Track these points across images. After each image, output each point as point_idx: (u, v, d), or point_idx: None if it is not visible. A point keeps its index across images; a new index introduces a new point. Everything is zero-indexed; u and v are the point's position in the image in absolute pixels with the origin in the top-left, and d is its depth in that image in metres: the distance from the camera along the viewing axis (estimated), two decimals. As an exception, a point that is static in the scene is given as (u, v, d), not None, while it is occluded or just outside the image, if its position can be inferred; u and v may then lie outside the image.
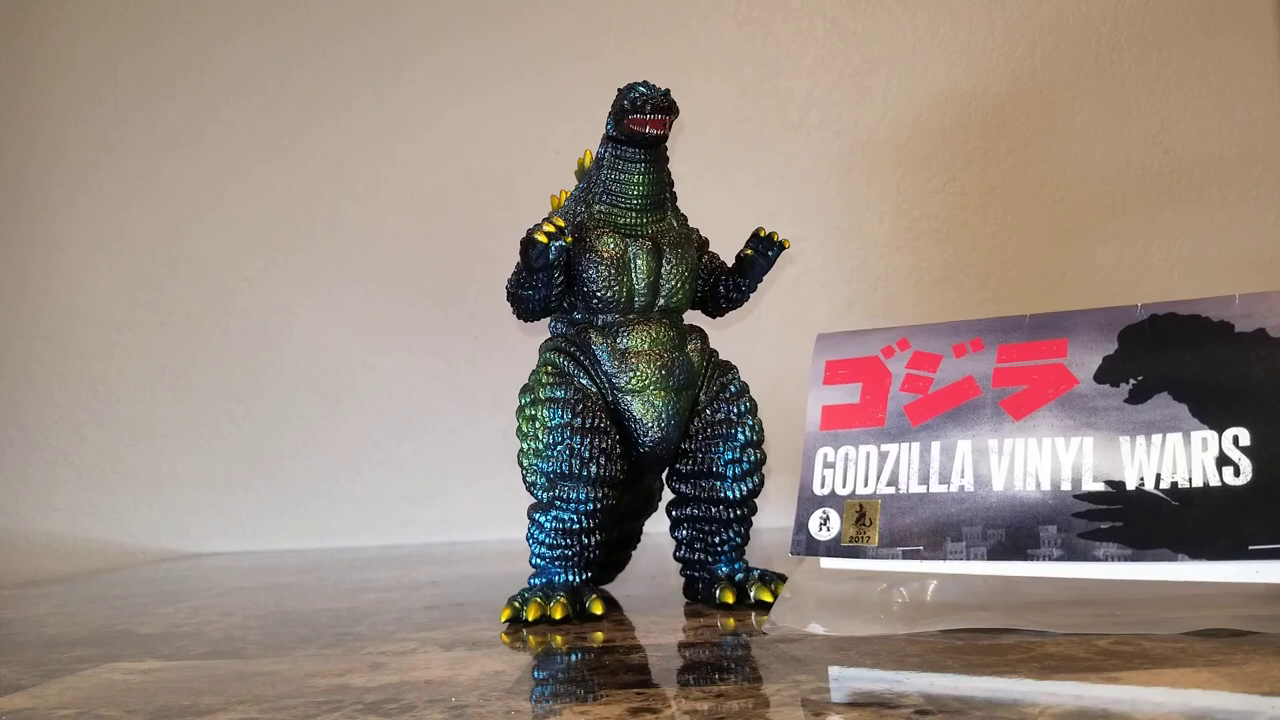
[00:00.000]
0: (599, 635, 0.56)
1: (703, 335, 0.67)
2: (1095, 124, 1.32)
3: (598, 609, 0.61)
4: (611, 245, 0.63)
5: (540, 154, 1.30)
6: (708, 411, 0.65)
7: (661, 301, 0.65)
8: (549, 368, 0.64)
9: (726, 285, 0.69)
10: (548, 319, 0.70)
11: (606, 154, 0.64)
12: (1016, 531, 0.51)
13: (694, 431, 0.65)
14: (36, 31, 1.46)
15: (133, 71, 1.45)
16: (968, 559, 0.51)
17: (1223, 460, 0.47)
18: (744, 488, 0.64)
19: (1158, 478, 0.49)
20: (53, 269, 1.44)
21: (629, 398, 0.63)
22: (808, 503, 0.58)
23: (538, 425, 0.62)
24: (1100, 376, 0.52)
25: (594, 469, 0.61)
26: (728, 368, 0.67)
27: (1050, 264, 1.31)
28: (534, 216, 0.67)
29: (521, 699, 0.42)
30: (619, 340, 0.63)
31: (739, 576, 0.65)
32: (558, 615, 0.60)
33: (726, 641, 0.53)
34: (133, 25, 1.45)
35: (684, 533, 0.66)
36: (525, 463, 0.64)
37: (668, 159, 0.66)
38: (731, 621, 0.58)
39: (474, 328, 1.36)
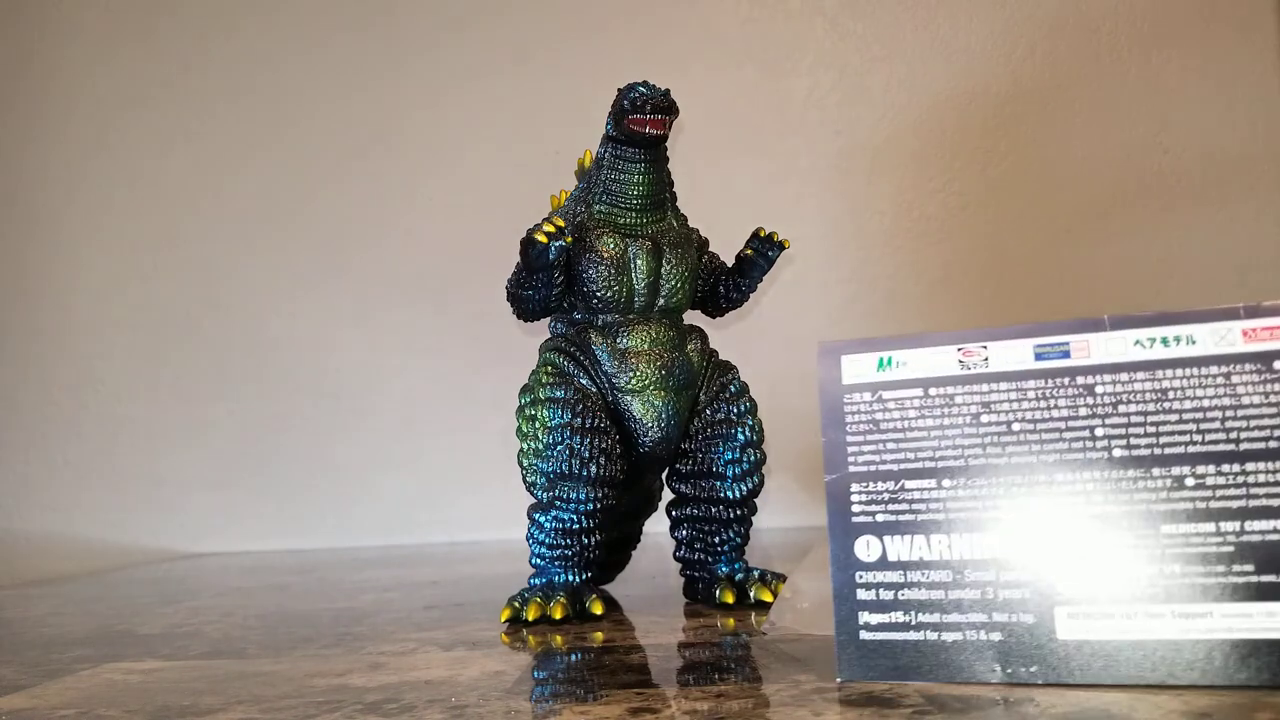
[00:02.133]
0: (599, 635, 0.56)
1: (703, 335, 0.67)
2: (1095, 124, 1.32)
3: (598, 609, 0.61)
4: (611, 245, 0.63)
5: (540, 154, 1.30)
6: (708, 411, 0.65)
7: (661, 301, 0.65)
8: (549, 368, 0.64)
9: (726, 285, 0.69)
10: (548, 319, 0.70)
11: (606, 154, 0.64)
12: None
13: (694, 431, 0.65)
14: (35, 29, 1.46)
15: (129, 68, 1.45)
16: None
17: None
18: (744, 488, 0.64)
19: None
20: (51, 269, 1.44)
21: (629, 398, 0.63)
22: None
23: (538, 425, 0.62)
24: None
25: (594, 469, 0.61)
26: (728, 368, 0.67)
27: (1050, 264, 1.31)
28: (534, 216, 0.67)
29: (521, 699, 0.42)
30: (619, 340, 0.63)
31: (739, 576, 0.65)
32: (558, 615, 0.60)
33: (726, 641, 0.53)
34: (129, 22, 1.45)
35: (684, 533, 0.66)
36: (525, 463, 0.64)
37: (668, 159, 0.66)
38: (731, 621, 0.58)
39: (474, 328, 1.36)
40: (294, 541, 1.37)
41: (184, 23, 1.45)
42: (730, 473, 0.64)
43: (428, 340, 1.38)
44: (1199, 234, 1.30)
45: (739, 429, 0.64)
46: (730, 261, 0.69)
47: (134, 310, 1.42)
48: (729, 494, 0.64)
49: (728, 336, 0.78)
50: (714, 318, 0.72)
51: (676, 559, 0.68)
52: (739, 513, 0.65)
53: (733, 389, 0.65)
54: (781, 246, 0.68)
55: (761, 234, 0.68)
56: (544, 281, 0.63)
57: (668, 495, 0.68)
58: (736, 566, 0.65)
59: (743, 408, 0.65)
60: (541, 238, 0.60)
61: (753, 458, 0.64)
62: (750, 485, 0.64)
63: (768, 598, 0.62)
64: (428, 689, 0.45)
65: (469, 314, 1.36)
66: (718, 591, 0.63)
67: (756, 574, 0.65)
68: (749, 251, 0.68)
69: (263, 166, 1.42)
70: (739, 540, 0.65)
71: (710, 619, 0.60)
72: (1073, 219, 1.31)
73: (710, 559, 0.65)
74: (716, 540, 0.65)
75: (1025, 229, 1.32)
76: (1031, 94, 1.33)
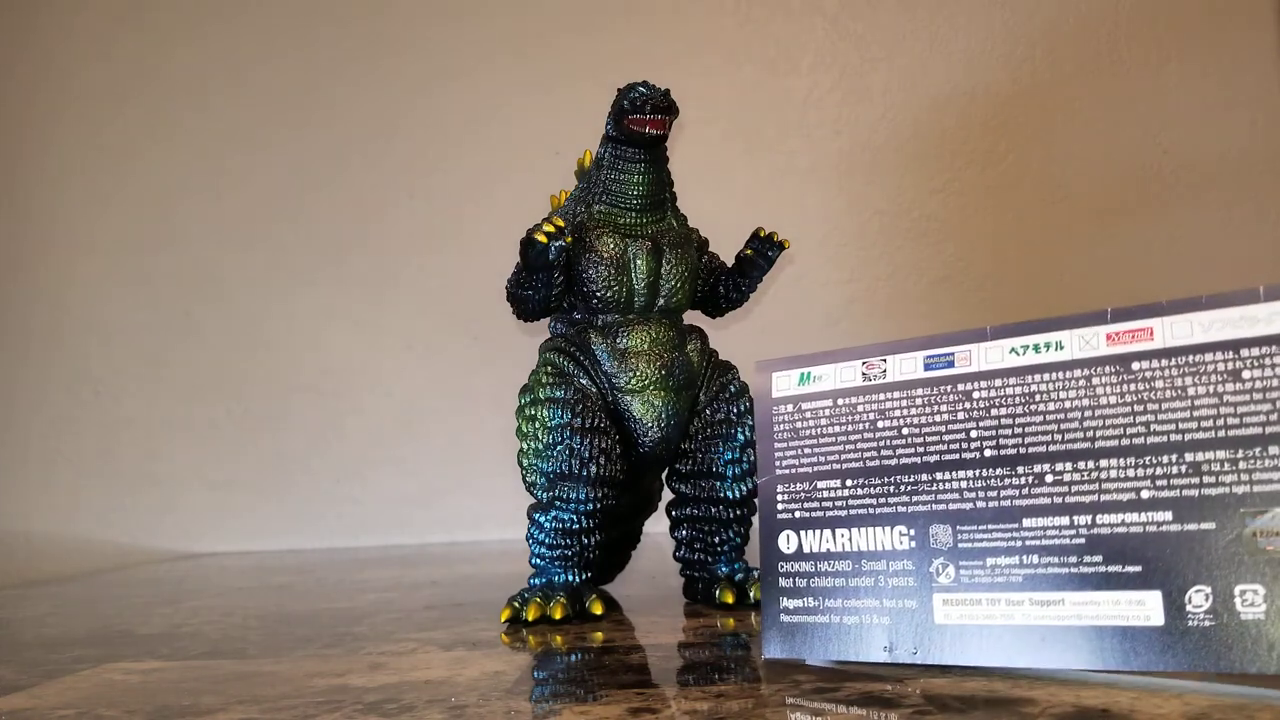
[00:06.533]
0: (599, 635, 0.56)
1: (703, 335, 0.67)
2: (1095, 124, 1.33)
3: (598, 609, 0.61)
4: (611, 245, 0.63)
5: (540, 154, 1.30)
6: (707, 411, 0.65)
7: (661, 301, 0.65)
8: (549, 368, 0.64)
9: (726, 285, 0.69)
10: (548, 319, 0.70)
11: (606, 154, 0.64)
12: None
13: (694, 431, 0.65)
14: (27, 23, 1.46)
15: (126, 64, 1.45)
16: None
17: None
18: (744, 488, 0.64)
19: None
20: (45, 268, 1.44)
21: (629, 398, 0.63)
22: None
23: (538, 425, 0.62)
24: None
25: (594, 469, 0.61)
26: (728, 368, 0.67)
27: (1050, 264, 1.31)
28: (534, 216, 0.67)
29: (521, 699, 0.42)
30: (619, 340, 0.63)
31: (739, 576, 0.65)
32: (558, 615, 0.60)
33: (726, 641, 0.53)
34: (122, 16, 1.45)
35: (684, 533, 0.66)
36: (525, 463, 0.64)
37: (668, 159, 0.66)
38: (731, 621, 0.58)
39: (474, 328, 1.36)
40: (294, 541, 1.37)
41: (176, 18, 1.44)
42: (730, 473, 0.64)
43: (427, 340, 1.38)
44: (1199, 234, 1.30)
45: (739, 429, 0.64)
46: (730, 261, 0.69)
47: (131, 309, 1.42)
48: (729, 494, 0.64)
49: (728, 336, 0.78)
50: (714, 318, 0.72)
51: (676, 559, 0.68)
52: (739, 513, 0.65)
53: (733, 389, 0.65)
54: (781, 246, 0.68)
55: (761, 234, 0.68)
56: (544, 281, 0.63)
57: (668, 495, 0.69)
58: (736, 566, 0.65)
59: (742, 408, 0.65)
60: (541, 238, 0.60)
61: (752, 458, 0.64)
62: (750, 485, 0.64)
63: (768, 598, 0.62)
64: (428, 689, 0.45)
65: (469, 314, 1.36)
66: (718, 591, 0.63)
67: (756, 574, 0.65)
68: (749, 251, 0.68)
69: (260, 163, 1.42)
70: (739, 540, 0.65)
71: (710, 619, 0.60)
72: (1073, 219, 1.32)
73: (710, 559, 0.65)
74: (716, 540, 0.65)
75: (1025, 229, 1.32)
76: (1031, 94, 1.33)
